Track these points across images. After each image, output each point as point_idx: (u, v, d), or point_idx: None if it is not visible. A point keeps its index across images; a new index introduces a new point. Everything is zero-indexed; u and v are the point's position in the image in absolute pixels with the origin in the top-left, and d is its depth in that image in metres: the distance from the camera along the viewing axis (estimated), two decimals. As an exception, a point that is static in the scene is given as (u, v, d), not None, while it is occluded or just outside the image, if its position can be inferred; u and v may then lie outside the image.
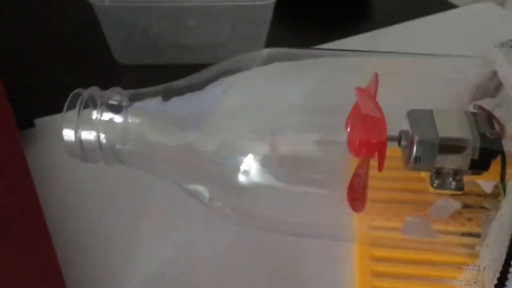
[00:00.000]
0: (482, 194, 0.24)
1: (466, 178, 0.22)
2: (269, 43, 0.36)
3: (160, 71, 0.36)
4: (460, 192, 0.21)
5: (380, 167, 0.20)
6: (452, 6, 0.45)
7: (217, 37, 0.37)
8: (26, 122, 0.29)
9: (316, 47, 0.38)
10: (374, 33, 0.40)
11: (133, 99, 0.23)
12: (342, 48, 0.38)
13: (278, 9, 0.34)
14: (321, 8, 0.43)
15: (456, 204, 0.24)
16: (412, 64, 0.26)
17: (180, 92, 0.23)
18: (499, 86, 0.23)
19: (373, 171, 0.22)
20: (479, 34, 0.41)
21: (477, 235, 0.23)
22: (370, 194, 0.23)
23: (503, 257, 0.18)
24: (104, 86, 0.25)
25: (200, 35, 0.37)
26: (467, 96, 0.24)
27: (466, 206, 0.24)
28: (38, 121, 0.30)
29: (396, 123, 0.22)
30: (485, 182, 0.23)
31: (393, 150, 0.22)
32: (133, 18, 0.35)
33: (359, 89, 0.20)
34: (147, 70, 0.36)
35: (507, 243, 0.18)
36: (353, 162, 0.22)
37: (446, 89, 0.25)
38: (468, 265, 0.21)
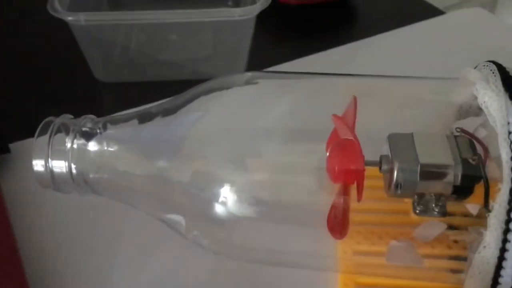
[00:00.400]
0: (468, 214, 0.23)
1: (450, 202, 0.21)
2: (252, 56, 0.36)
3: (141, 88, 0.35)
4: (444, 218, 0.20)
5: (359, 196, 0.19)
6: (440, 13, 0.44)
7: (199, 52, 0.37)
8: (1, 147, 0.28)
9: (300, 59, 0.37)
10: (359, 43, 0.39)
11: (107, 126, 0.22)
12: (327, 59, 0.37)
13: (261, 20, 0.33)
14: (305, 19, 0.42)
15: (441, 226, 0.23)
16: (393, 86, 0.25)
17: (154, 118, 0.22)
18: (483, 105, 0.23)
19: (355, 194, 0.21)
20: (468, 40, 0.41)
21: (464, 259, 0.22)
22: (354, 216, 0.23)
23: (488, 288, 0.17)
24: (84, 104, 0.24)
25: (182, 50, 0.37)
26: (451, 115, 0.24)
27: (452, 227, 0.24)
28: (14, 145, 0.29)
29: (379, 147, 0.21)
30: (471, 205, 0.23)
31: (376, 170, 0.21)
32: (111, 36, 0.34)
33: (336, 117, 0.20)
34: (128, 88, 0.35)
35: (491, 275, 0.17)
36: (335, 187, 0.21)
37: (428, 111, 0.24)
38: (452, 295, 0.20)
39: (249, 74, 0.23)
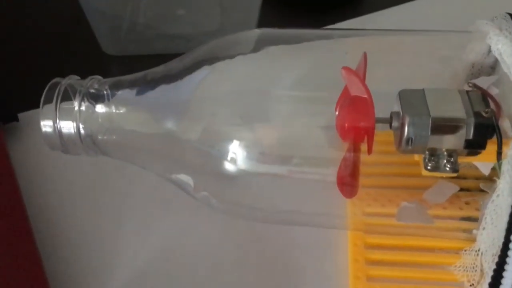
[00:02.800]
0: (479, 177, 0.23)
1: (462, 160, 0.21)
2: (259, 30, 0.35)
3: (148, 61, 0.34)
4: (455, 174, 0.20)
5: (369, 150, 0.19)
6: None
7: (206, 26, 0.37)
8: (9, 116, 0.28)
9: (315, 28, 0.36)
10: (368, 17, 0.39)
11: (113, 87, 0.22)
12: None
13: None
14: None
15: (453, 187, 0.23)
16: (405, 42, 0.25)
17: (162, 78, 0.22)
18: (495, 63, 0.22)
19: (366, 156, 0.21)
20: (479, 16, 0.40)
21: (475, 220, 0.22)
22: (364, 179, 0.22)
23: (501, 240, 0.17)
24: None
25: (189, 24, 0.36)
26: (463, 74, 0.23)
27: (463, 189, 0.23)
28: (22, 115, 0.29)
29: (389, 104, 0.21)
30: (482, 164, 0.22)
31: (387, 135, 0.21)
32: (120, 8, 0.34)
33: (346, 69, 0.19)
34: (136, 61, 0.35)
35: (504, 225, 0.17)
36: (346, 146, 0.21)
37: (441, 68, 0.24)
38: (465, 250, 0.20)
39: (258, 31, 0.23)
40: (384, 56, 0.24)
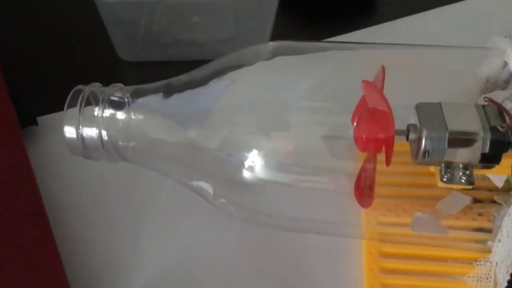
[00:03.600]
0: (492, 189, 0.23)
1: (476, 172, 0.21)
2: (274, 38, 0.36)
3: (163, 68, 0.35)
4: (470, 187, 0.20)
5: (388, 162, 0.19)
6: (460, -2, 0.44)
7: (221, 33, 0.37)
8: (28, 120, 0.29)
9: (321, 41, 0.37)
10: (380, 27, 0.39)
11: (135, 95, 0.23)
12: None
13: (282, 3, 0.34)
14: (326, 2, 0.43)
15: (466, 199, 0.23)
16: (420, 56, 0.25)
17: (183, 87, 0.22)
18: (509, 78, 0.23)
19: (381, 166, 0.21)
20: (488, 27, 0.41)
21: (488, 230, 0.22)
22: (379, 189, 0.23)
23: (516, 252, 0.18)
24: (108, 83, 0.24)
25: (204, 31, 0.37)
26: (477, 88, 0.24)
27: (476, 200, 0.24)
28: (40, 119, 0.29)
29: (404, 117, 0.21)
30: (496, 177, 0.23)
31: (401, 145, 0.21)
32: (136, 14, 0.34)
33: (366, 82, 0.20)
34: (151, 67, 0.36)
35: (520, 238, 0.17)
36: (361, 156, 0.21)
37: (455, 82, 0.24)
38: (479, 261, 0.20)
39: (274, 44, 0.23)
40: (398, 69, 0.24)
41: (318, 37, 0.37)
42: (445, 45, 0.25)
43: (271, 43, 0.25)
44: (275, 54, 0.24)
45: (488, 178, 0.23)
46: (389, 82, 0.22)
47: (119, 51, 0.35)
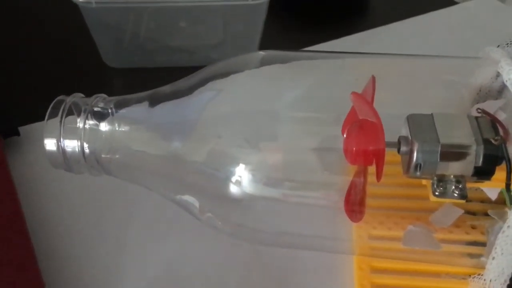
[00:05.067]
0: (485, 200, 0.23)
1: (470, 185, 0.21)
2: (263, 43, 0.35)
3: (151, 74, 0.35)
4: (463, 201, 0.20)
5: (378, 176, 0.19)
6: (453, 3, 0.43)
7: (210, 38, 0.36)
8: (10, 129, 0.28)
9: (312, 46, 0.36)
10: (371, 32, 0.39)
11: (118, 106, 0.22)
12: (339, 47, 0.37)
13: (272, 7, 0.33)
14: (317, 6, 0.42)
15: (458, 210, 0.23)
16: (411, 66, 0.25)
17: (168, 98, 0.22)
18: (502, 88, 0.22)
19: (372, 177, 0.21)
20: (480, 31, 0.40)
21: (482, 244, 0.22)
22: (370, 201, 0.22)
23: (510, 270, 0.17)
24: (94, 90, 0.24)
25: (192, 37, 0.36)
26: (470, 98, 0.23)
27: (469, 212, 0.23)
28: (23, 129, 0.29)
29: (396, 128, 0.21)
30: (489, 189, 0.22)
31: (393, 155, 0.21)
32: (122, 20, 0.34)
33: (355, 94, 0.19)
34: (138, 74, 0.35)
35: (515, 256, 0.17)
36: (352, 169, 0.21)
37: (448, 92, 0.24)
38: (473, 277, 0.20)
39: (262, 53, 0.23)
40: (390, 78, 0.23)
41: (309, 42, 0.36)
42: (438, 54, 0.24)
43: (260, 52, 0.24)
44: (263, 63, 0.23)
45: (481, 190, 0.23)
46: (381, 92, 0.22)
47: (105, 57, 0.35)
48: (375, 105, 0.20)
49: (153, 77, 0.34)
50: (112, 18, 0.33)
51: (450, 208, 0.23)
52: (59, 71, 0.34)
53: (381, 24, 0.40)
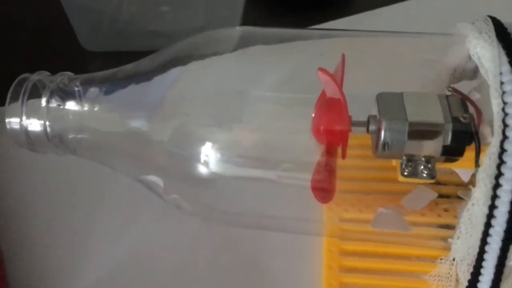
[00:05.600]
0: (460, 184, 0.22)
1: (441, 166, 0.20)
2: (244, 28, 0.35)
3: (129, 58, 0.34)
4: (432, 181, 0.19)
5: (343, 154, 0.18)
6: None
7: (191, 23, 0.36)
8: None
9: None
10: (356, 17, 0.38)
11: (85, 84, 0.21)
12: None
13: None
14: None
15: (432, 193, 0.22)
16: (388, 44, 0.24)
17: (133, 76, 0.21)
18: (477, 68, 0.22)
19: (344, 160, 0.20)
20: (470, 17, 0.39)
21: (453, 227, 0.21)
22: (341, 184, 0.22)
23: (476, 250, 0.17)
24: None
25: (173, 21, 0.36)
26: (446, 78, 0.23)
27: (443, 196, 0.23)
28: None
29: (370, 107, 0.20)
30: (463, 171, 0.22)
31: (366, 138, 0.20)
32: (102, 3, 0.33)
33: (322, 70, 0.19)
34: (117, 57, 0.34)
35: (479, 235, 0.16)
36: (321, 148, 0.20)
37: (425, 71, 0.23)
38: (441, 259, 0.19)
39: (239, 30, 0.22)
40: (366, 57, 0.23)
41: (291, 27, 0.36)
42: (414, 32, 0.24)
43: (237, 28, 0.24)
44: (241, 40, 0.23)
45: (455, 173, 0.22)
46: (357, 70, 0.22)
47: (82, 40, 0.34)
48: (348, 84, 0.20)
49: (132, 61, 0.33)
50: (91, 1, 0.33)
51: (423, 191, 0.22)
52: (34, 53, 0.33)
53: (367, 9, 0.39)
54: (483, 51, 0.17)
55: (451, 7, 0.40)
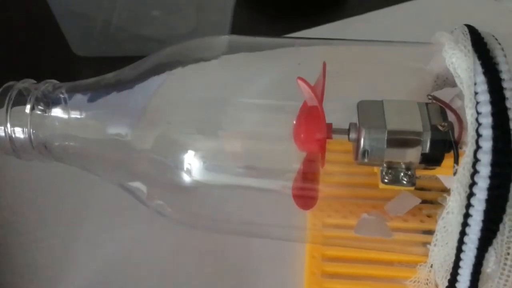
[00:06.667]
0: (444, 190, 0.22)
1: (422, 173, 0.21)
2: (234, 33, 0.35)
3: (120, 64, 0.34)
4: (412, 188, 0.19)
5: (322, 162, 0.18)
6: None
7: (182, 28, 0.36)
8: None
9: (283, 36, 0.36)
10: (345, 21, 0.39)
11: (69, 91, 0.22)
12: (313, 36, 0.36)
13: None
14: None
15: (414, 200, 0.22)
16: (373, 52, 0.24)
17: (116, 84, 0.21)
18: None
19: (328, 166, 0.21)
20: (461, 22, 0.39)
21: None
22: (325, 190, 0.22)
23: (452, 257, 0.17)
24: (61, 79, 0.23)
25: (164, 26, 0.36)
26: (428, 86, 0.23)
27: (427, 201, 0.23)
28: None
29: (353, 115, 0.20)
30: (445, 177, 0.22)
31: (349, 143, 0.20)
32: (92, 8, 0.33)
33: (301, 80, 0.19)
34: (107, 63, 0.34)
35: (455, 243, 0.16)
36: (303, 156, 0.20)
37: (409, 78, 0.23)
38: (420, 264, 0.19)
39: (227, 38, 0.22)
40: (350, 65, 0.23)
41: (282, 32, 0.36)
42: (398, 40, 0.24)
43: (226, 36, 0.24)
44: (229, 48, 0.23)
45: (439, 179, 0.22)
46: (343, 79, 0.22)
47: (73, 45, 0.34)
48: (332, 91, 0.20)
49: (123, 66, 0.33)
50: (81, 6, 0.33)
51: (407, 197, 0.23)
52: (26, 60, 0.34)
53: (359, 13, 0.39)
54: (459, 61, 0.17)
55: (444, 9, 0.40)
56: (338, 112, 0.21)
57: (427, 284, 0.19)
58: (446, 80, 0.22)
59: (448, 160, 0.19)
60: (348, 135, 0.19)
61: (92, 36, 0.34)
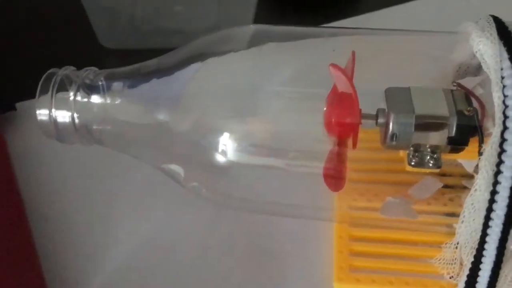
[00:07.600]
0: (465, 175, 0.23)
1: (447, 157, 0.21)
2: (256, 26, 0.36)
3: (146, 56, 0.35)
4: (438, 170, 0.20)
5: (354, 145, 0.20)
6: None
7: (204, 22, 0.37)
8: (7, 105, 0.29)
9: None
10: (364, 17, 0.40)
11: (109, 78, 0.23)
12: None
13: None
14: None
15: (437, 183, 0.23)
16: (396, 41, 0.25)
17: (155, 71, 0.22)
18: (480, 65, 0.23)
19: (354, 153, 0.21)
20: (472, 17, 0.40)
21: (458, 215, 0.22)
22: (351, 174, 0.23)
23: (479, 233, 0.18)
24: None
25: (186, 20, 0.37)
26: (451, 74, 0.24)
27: (448, 186, 0.24)
28: (19, 105, 0.29)
29: (378, 102, 0.21)
30: (467, 162, 0.23)
31: (374, 132, 0.21)
32: (118, 1, 0.34)
33: (334, 66, 0.20)
34: (133, 55, 0.35)
35: (482, 219, 0.17)
36: (333, 140, 0.21)
37: (431, 67, 0.24)
38: (446, 243, 0.20)
39: (253, 28, 0.23)
40: (375, 54, 0.24)
41: (302, 26, 0.37)
42: (420, 30, 0.25)
43: (252, 26, 0.25)
44: (254, 38, 0.24)
45: (461, 165, 0.23)
46: (366, 67, 0.23)
47: (101, 37, 0.35)
48: (357, 80, 0.21)
49: (147, 59, 0.34)
50: (109, 0, 0.34)
51: (429, 181, 0.23)
52: (55, 50, 0.35)
53: (374, 9, 0.40)
54: (485, 47, 0.18)
55: (456, 7, 0.41)
56: (362, 98, 0.22)
57: (453, 261, 0.20)
58: (468, 69, 0.23)
59: (471, 146, 0.20)
60: (376, 120, 0.20)
61: (118, 29, 0.36)
